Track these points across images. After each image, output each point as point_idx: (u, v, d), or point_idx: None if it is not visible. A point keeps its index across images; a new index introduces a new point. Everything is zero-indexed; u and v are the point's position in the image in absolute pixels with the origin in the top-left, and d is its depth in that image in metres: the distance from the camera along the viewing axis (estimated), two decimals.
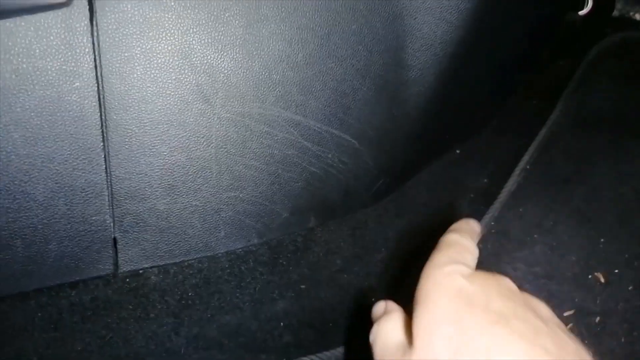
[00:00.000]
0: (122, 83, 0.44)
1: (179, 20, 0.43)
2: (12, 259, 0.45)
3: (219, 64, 0.45)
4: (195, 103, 0.45)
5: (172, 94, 0.45)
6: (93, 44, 0.41)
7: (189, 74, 0.44)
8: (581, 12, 0.78)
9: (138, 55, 0.43)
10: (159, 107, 0.45)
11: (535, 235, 0.71)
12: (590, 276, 0.68)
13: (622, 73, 0.77)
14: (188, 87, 0.45)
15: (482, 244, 0.73)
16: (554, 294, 0.67)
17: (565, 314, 0.66)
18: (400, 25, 0.50)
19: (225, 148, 0.48)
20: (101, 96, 0.43)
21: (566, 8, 0.72)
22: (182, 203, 0.48)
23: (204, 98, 0.45)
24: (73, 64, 0.41)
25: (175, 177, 0.47)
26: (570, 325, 0.65)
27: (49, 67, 0.41)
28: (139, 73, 0.44)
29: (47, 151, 0.43)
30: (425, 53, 0.52)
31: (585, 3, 0.77)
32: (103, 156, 0.45)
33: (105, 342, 0.53)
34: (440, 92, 0.55)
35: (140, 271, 0.53)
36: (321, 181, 0.53)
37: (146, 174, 0.46)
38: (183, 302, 0.56)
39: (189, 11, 0.43)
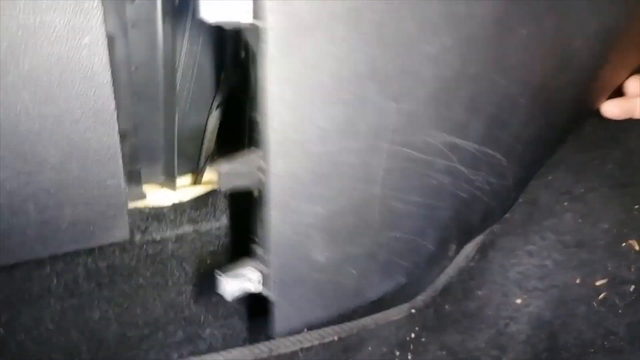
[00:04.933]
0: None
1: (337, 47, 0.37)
2: (25, 223, 0.43)
3: (377, 96, 0.39)
4: (364, 139, 0.40)
5: (330, 134, 0.39)
6: None
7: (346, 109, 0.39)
8: None
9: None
10: (318, 150, 0.39)
11: (565, 203, 0.68)
12: (624, 244, 0.65)
13: None
14: (346, 124, 0.39)
15: (510, 214, 0.70)
16: (586, 262, 0.65)
17: (598, 283, 0.64)
18: (567, 23, 0.44)
19: (388, 186, 0.42)
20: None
21: None
22: (342, 252, 0.43)
23: (375, 134, 0.39)
24: (81, 19, 0.40)
25: (336, 225, 0.42)
26: (603, 294, 0.63)
27: (56, 22, 0.39)
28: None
29: (58, 111, 0.41)
30: (585, 51, 0.46)
31: None
32: (115, 117, 0.43)
33: (123, 309, 0.53)
34: (584, 93, 0.51)
35: (157, 238, 0.52)
36: (467, 206, 0.47)
37: (308, 225, 0.41)
38: (201, 269, 0.55)
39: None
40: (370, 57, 0.38)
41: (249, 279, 0.41)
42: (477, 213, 0.50)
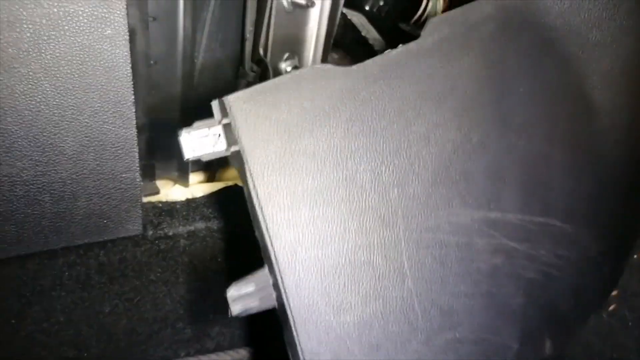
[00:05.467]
0: None
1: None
2: (40, 214, 0.43)
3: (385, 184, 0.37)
4: (377, 230, 0.37)
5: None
6: None
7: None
8: None
9: None
10: (329, 255, 0.37)
11: None
12: (635, 255, 0.64)
13: None
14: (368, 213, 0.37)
15: None
16: None
17: None
18: (572, 68, 0.41)
19: (421, 278, 0.37)
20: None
21: None
22: None
23: (384, 223, 0.37)
24: (104, 10, 0.39)
25: (374, 333, 0.38)
26: (613, 306, 0.62)
27: (80, 12, 0.39)
28: None
29: (77, 102, 0.41)
30: (607, 91, 0.42)
31: None
32: (133, 110, 0.43)
33: (133, 304, 0.52)
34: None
35: (170, 233, 0.51)
36: (544, 288, 0.41)
37: (339, 337, 0.37)
38: (212, 267, 0.54)
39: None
40: (362, 146, 0.36)
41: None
42: (563, 295, 0.43)
